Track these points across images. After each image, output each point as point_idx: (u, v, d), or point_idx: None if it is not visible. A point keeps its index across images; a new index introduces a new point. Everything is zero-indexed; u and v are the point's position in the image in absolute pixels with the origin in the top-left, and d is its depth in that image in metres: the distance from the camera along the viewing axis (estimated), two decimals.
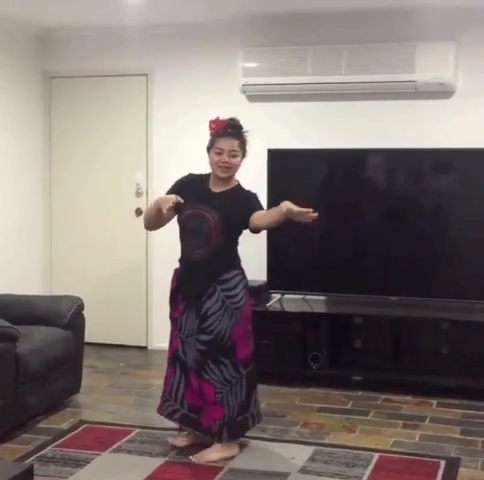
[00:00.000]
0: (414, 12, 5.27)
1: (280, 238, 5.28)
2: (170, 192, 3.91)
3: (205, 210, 3.78)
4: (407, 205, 5.26)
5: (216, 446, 3.86)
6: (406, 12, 5.29)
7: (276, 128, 5.67)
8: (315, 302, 5.37)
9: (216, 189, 3.86)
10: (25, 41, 5.99)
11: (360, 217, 5.29)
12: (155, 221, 3.96)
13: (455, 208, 5.17)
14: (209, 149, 3.85)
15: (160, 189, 5.93)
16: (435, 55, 5.26)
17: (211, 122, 3.87)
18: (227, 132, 3.79)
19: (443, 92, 5.33)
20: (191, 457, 3.83)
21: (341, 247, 5.27)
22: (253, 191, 3.92)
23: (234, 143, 3.78)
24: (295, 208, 3.52)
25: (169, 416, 3.98)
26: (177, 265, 3.99)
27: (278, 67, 5.55)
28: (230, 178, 3.87)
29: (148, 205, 5.75)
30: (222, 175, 3.81)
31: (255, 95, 5.71)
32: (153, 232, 5.95)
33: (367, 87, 5.43)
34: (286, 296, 5.43)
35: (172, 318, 3.95)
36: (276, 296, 5.44)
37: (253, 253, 5.39)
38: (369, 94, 5.48)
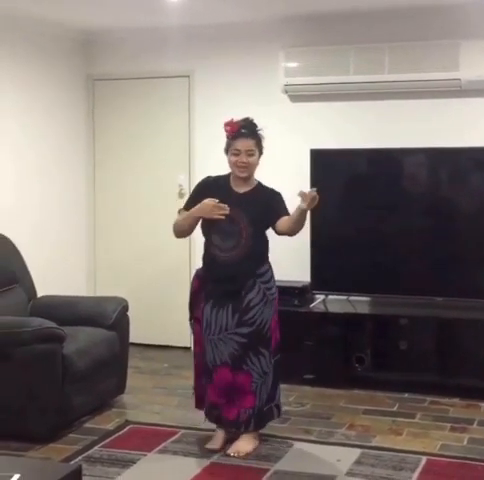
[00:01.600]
0: (457, 9, 5.20)
1: (324, 238, 5.26)
2: (194, 197, 3.98)
3: (234, 212, 3.86)
4: (452, 205, 5.19)
5: (245, 437, 3.93)
6: (449, 9, 5.22)
7: (318, 128, 5.64)
8: (359, 303, 5.32)
9: (239, 190, 3.95)
10: (69, 44, 6.05)
11: (404, 217, 5.23)
12: (189, 230, 4.03)
13: None
14: (227, 151, 3.96)
15: None
16: (480, 52, 5.17)
17: (225, 124, 3.96)
18: (242, 133, 3.90)
19: None
20: (230, 453, 3.88)
21: (385, 247, 5.21)
22: (276, 190, 4.02)
23: (250, 143, 3.89)
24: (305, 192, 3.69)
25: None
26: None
27: (320, 67, 5.52)
28: (250, 177, 3.97)
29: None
30: (241, 175, 3.91)
31: (297, 95, 5.69)
32: (197, 232, 5.98)
33: (410, 86, 5.36)
34: (330, 297, 5.39)
35: (194, 319, 4.02)
36: (320, 297, 5.41)
37: (297, 254, 5.41)
38: (412, 93, 5.42)
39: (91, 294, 6.09)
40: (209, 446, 3.97)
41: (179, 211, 4.06)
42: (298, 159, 5.54)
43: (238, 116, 5.69)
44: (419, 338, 5.05)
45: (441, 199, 5.24)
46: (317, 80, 5.52)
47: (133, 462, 3.81)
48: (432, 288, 5.10)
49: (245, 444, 3.92)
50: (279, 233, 3.92)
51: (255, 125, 3.96)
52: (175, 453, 3.95)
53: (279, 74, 5.64)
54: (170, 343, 6.07)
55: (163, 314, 6.09)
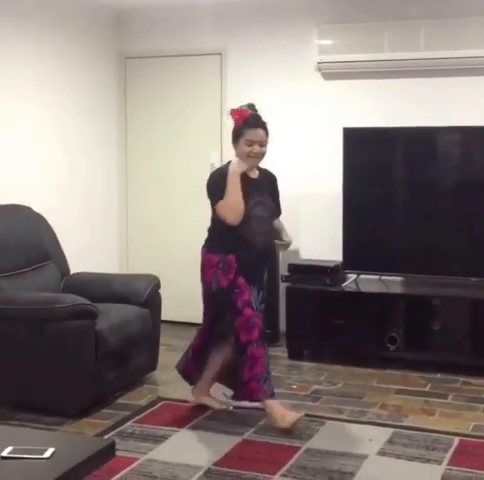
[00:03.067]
0: None
1: (356, 218, 5.23)
2: (220, 191, 3.90)
3: (263, 197, 3.97)
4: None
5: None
6: None
7: (352, 106, 5.59)
8: (391, 283, 5.29)
9: (253, 175, 4.00)
10: (100, 22, 6.04)
11: (438, 196, 5.17)
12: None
13: None
14: (236, 140, 3.94)
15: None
16: None
17: (233, 112, 3.96)
18: (252, 123, 3.92)
19: None
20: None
21: (418, 227, 5.16)
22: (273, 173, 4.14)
23: (262, 133, 3.93)
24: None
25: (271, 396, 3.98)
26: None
27: (354, 44, 5.46)
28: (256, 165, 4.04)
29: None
30: (254, 164, 3.97)
31: (330, 73, 5.64)
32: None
33: (446, 63, 5.29)
34: (362, 276, 5.36)
35: (227, 306, 3.97)
36: (352, 276, 5.38)
37: (329, 233, 5.39)
38: (448, 70, 5.34)
39: (124, 271, 6.12)
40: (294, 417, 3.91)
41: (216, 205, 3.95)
42: (331, 137, 5.49)
43: (270, 94, 5.72)
44: (452, 318, 5.01)
45: (475, 178, 5.17)
46: (351, 58, 5.47)
47: (165, 438, 3.84)
48: (466, 268, 5.06)
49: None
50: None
51: (261, 116, 4.01)
52: (207, 429, 3.97)
53: (312, 52, 5.59)
54: (200, 321, 6.05)
55: (194, 292, 6.08)
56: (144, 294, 4.67)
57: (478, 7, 5.21)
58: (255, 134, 3.89)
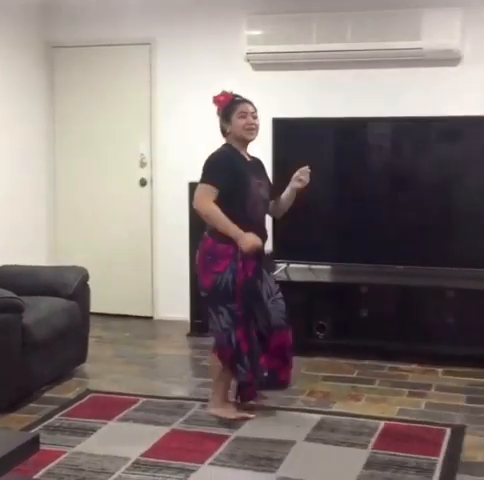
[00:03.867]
0: None
1: None
2: (223, 172, 3.77)
3: (263, 179, 3.96)
4: (413, 174, 5.23)
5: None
6: None
7: (281, 97, 5.62)
8: (321, 271, 5.36)
9: (247, 157, 3.96)
10: (27, 10, 5.92)
11: (366, 186, 5.26)
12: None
13: (462, 176, 5.13)
14: (228, 119, 3.87)
15: (164, 159, 5.95)
16: (442, 22, 5.19)
17: (218, 96, 3.93)
18: (240, 100, 3.91)
19: (450, 59, 5.27)
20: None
21: (347, 216, 5.24)
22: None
23: (251, 107, 3.91)
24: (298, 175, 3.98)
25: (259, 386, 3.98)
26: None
27: (282, 35, 5.49)
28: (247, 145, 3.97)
29: (152, 175, 5.76)
30: (251, 137, 3.89)
31: (259, 63, 5.66)
32: (158, 202, 5.99)
33: (373, 55, 5.36)
34: (291, 265, 5.41)
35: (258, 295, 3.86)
36: (281, 265, 5.43)
37: None
38: (375, 62, 5.42)
39: (52, 264, 6.04)
40: (249, 415, 3.92)
41: (204, 187, 3.80)
42: (260, 128, 5.49)
43: (199, 84, 5.72)
44: (379, 306, 5.10)
45: (403, 168, 5.27)
46: (279, 48, 5.50)
47: (93, 430, 3.81)
48: (392, 256, 5.15)
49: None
50: (271, 213, 4.12)
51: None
52: (136, 421, 3.95)
53: (242, 42, 5.60)
54: (131, 313, 6.06)
55: (124, 284, 6.07)
56: (72, 286, 4.62)
57: (403, 0, 5.29)
58: (246, 107, 3.87)
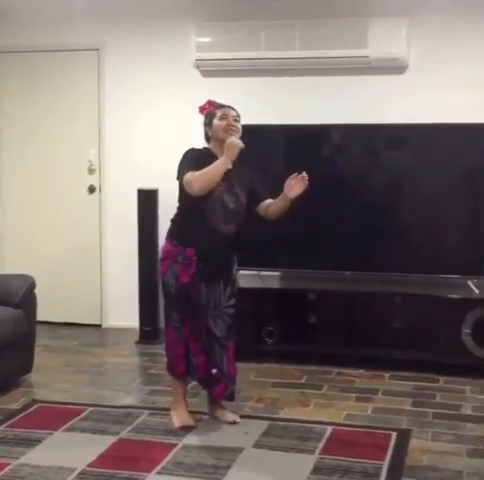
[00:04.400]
0: None
1: None
2: (191, 165, 3.74)
3: (235, 188, 3.86)
4: (360, 180, 5.28)
5: (228, 409, 4.04)
6: None
7: (230, 103, 5.59)
8: (269, 278, 5.38)
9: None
10: None
11: (313, 193, 5.27)
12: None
13: (407, 183, 5.20)
14: (210, 123, 3.88)
15: (113, 166, 5.91)
16: (388, 30, 5.26)
17: (203, 105, 4.01)
18: (223, 105, 3.94)
19: (396, 67, 5.35)
20: (236, 419, 3.98)
21: (294, 223, 5.24)
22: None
23: (233, 112, 3.91)
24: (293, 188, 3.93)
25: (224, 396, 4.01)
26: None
27: (231, 42, 5.51)
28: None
29: (101, 182, 5.73)
30: (233, 137, 3.82)
31: (209, 70, 5.67)
32: (107, 209, 5.94)
33: (321, 62, 5.42)
34: (240, 272, 5.40)
35: (193, 302, 3.83)
36: None
37: None
38: (323, 69, 5.47)
39: None
40: (190, 424, 3.90)
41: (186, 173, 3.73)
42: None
43: (148, 91, 5.71)
44: (327, 312, 5.14)
45: (349, 174, 5.32)
46: (228, 55, 5.51)
47: (39, 441, 3.75)
48: (340, 262, 5.20)
49: (232, 414, 4.03)
50: (265, 216, 4.05)
51: None
52: (83, 431, 3.90)
53: (191, 49, 5.60)
54: (80, 321, 6.00)
55: (73, 292, 6.01)
56: (18, 295, 4.55)
57: (351, 8, 5.36)
58: (227, 110, 3.87)
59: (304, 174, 3.94)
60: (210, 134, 3.89)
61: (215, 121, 3.86)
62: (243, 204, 3.91)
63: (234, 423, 3.97)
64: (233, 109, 3.93)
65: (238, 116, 3.91)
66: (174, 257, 3.81)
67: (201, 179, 3.67)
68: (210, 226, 3.79)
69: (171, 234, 3.90)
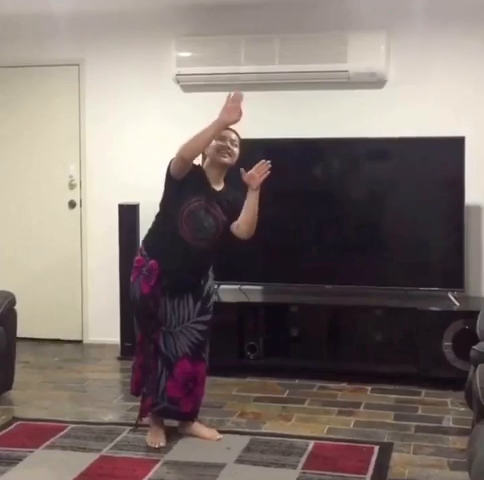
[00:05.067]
0: (346, 1, 5.31)
1: None
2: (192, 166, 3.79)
3: (214, 207, 3.80)
4: (341, 193, 5.30)
5: (202, 426, 4.03)
6: (338, 1, 5.32)
7: (210, 117, 5.57)
8: (251, 292, 5.38)
9: (216, 187, 3.85)
10: None
11: (294, 206, 5.31)
12: (210, 142, 3.75)
13: (388, 197, 5.23)
14: (209, 144, 3.81)
15: (94, 181, 5.91)
16: (367, 45, 5.30)
17: None
18: (228, 127, 3.83)
19: (375, 82, 5.39)
20: (216, 437, 3.95)
21: (276, 237, 5.27)
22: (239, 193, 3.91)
23: (234, 135, 3.87)
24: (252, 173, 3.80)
25: (151, 411, 3.95)
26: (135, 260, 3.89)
27: (211, 57, 5.53)
28: (223, 175, 3.88)
29: (81, 196, 5.72)
30: (224, 159, 3.80)
31: (189, 85, 5.68)
32: (88, 224, 5.92)
33: (300, 77, 5.44)
34: (222, 286, 5.41)
35: (151, 315, 3.82)
36: None
37: None
38: (303, 84, 5.50)
39: None
40: (155, 444, 3.86)
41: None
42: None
43: (129, 105, 5.72)
44: (309, 325, 5.14)
45: (331, 188, 5.34)
46: (209, 70, 5.53)
47: (19, 459, 3.71)
48: (321, 276, 5.21)
49: (208, 429, 4.01)
50: (236, 234, 3.88)
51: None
52: (64, 448, 3.87)
53: (171, 64, 5.61)
54: (61, 337, 5.96)
55: (54, 308, 5.98)
56: None
57: (329, 23, 5.40)
58: (227, 132, 3.80)
59: (265, 161, 3.85)
60: (206, 152, 3.87)
61: (213, 142, 3.80)
62: (220, 225, 3.83)
63: (216, 440, 3.94)
64: (234, 132, 3.88)
65: (237, 141, 3.86)
66: (141, 267, 3.81)
67: (189, 144, 3.66)
68: (180, 240, 3.77)
69: (143, 244, 3.91)
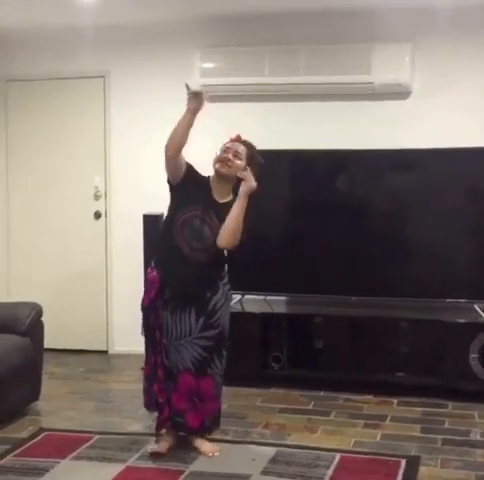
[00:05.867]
0: (371, 13, 5.30)
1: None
2: (189, 170, 3.85)
3: (211, 219, 3.78)
4: (365, 205, 5.29)
5: (205, 440, 3.94)
6: (363, 13, 5.32)
7: (234, 129, 5.60)
8: (276, 302, 5.37)
9: (218, 198, 3.83)
10: None
11: (319, 217, 5.30)
12: (187, 128, 3.83)
13: (413, 208, 5.21)
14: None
15: (118, 192, 5.94)
16: (392, 56, 5.30)
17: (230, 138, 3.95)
18: (243, 140, 3.89)
19: (400, 93, 5.38)
20: (208, 453, 3.87)
21: (301, 247, 5.27)
22: None
23: (241, 147, 3.85)
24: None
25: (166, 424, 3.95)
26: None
27: (235, 68, 5.54)
28: (229, 187, 3.86)
29: (106, 207, 5.77)
30: (222, 169, 3.78)
31: (213, 96, 5.67)
32: (113, 234, 5.95)
33: (325, 88, 5.45)
34: (247, 297, 5.42)
35: (155, 326, 3.85)
36: (237, 297, 5.42)
37: None
38: (327, 95, 5.50)
39: (4, 300, 5.94)
40: (154, 449, 3.89)
41: None
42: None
43: (153, 116, 5.75)
44: (334, 336, 5.12)
45: (355, 199, 5.33)
46: (233, 81, 5.54)
47: (47, 470, 3.73)
48: (347, 287, 5.19)
49: (210, 446, 3.94)
50: (217, 243, 3.77)
51: (256, 150, 3.94)
52: (90, 459, 3.88)
53: (195, 74, 5.63)
54: (86, 347, 5.99)
55: (79, 318, 6.01)
56: (25, 323, 4.54)
57: (355, 34, 5.40)
58: (233, 144, 3.82)
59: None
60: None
61: (218, 152, 3.84)
62: (214, 240, 3.77)
63: (212, 456, 3.89)
64: (243, 144, 3.86)
65: (241, 153, 3.82)
66: (148, 280, 3.90)
67: (168, 139, 3.76)
68: (177, 250, 3.77)
69: (153, 256, 3.97)
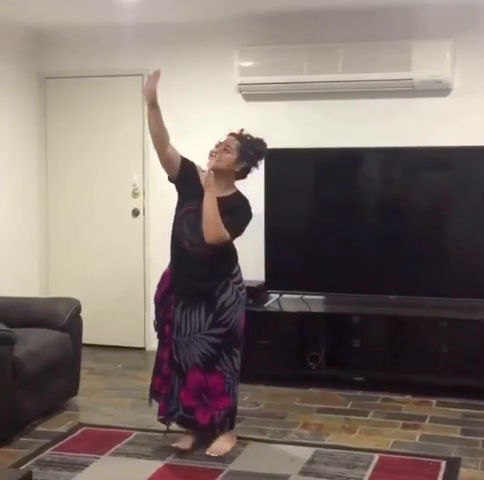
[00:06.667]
0: (411, 10, 5.25)
1: (278, 238, 5.28)
2: (184, 165, 3.94)
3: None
4: (404, 204, 5.25)
5: (223, 437, 3.92)
6: (403, 10, 5.27)
7: (273, 127, 5.61)
8: (313, 302, 5.35)
9: (218, 192, 3.83)
10: (19, 42, 5.96)
11: (358, 216, 5.27)
12: (157, 123, 3.97)
13: (452, 206, 5.16)
14: None
15: (157, 189, 5.96)
16: (432, 53, 5.23)
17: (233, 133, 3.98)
18: (241, 135, 3.92)
19: (440, 90, 5.31)
20: (209, 453, 3.86)
21: (339, 246, 5.24)
22: (244, 201, 3.91)
23: (232, 139, 3.88)
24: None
25: (169, 418, 3.97)
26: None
27: (274, 66, 5.52)
28: (224, 181, 3.87)
29: (144, 204, 5.80)
30: (214, 165, 3.82)
31: (251, 94, 5.69)
32: (151, 231, 5.98)
33: (364, 85, 5.40)
34: (284, 296, 5.41)
35: (164, 320, 3.90)
36: (274, 296, 5.43)
37: (251, 253, 5.39)
38: (366, 92, 5.45)
39: (44, 295, 6.01)
40: (178, 445, 3.91)
41: None
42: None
43: (191, 115, 5.76)
44: (372, 336, 5.10)
45: (394, 198, 5.29)
46: (271, 79, 5.53)
47: (85, 465, 3.77)
48: (385, 286, 5.15)
49: (223, 444, 3.91)
50: (207, 242, 3.76)
51: (251, 140, 3.96)
52: (128, 455, 3.91)
53: (233, 73, 5.63)
54: (124, 344, 6.03)
55: (117, 315, 6.05)
56: (64, 318, 4.59)
57: (395, 31, 5.34)
58: (225, 138, 3.88)
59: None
60: None
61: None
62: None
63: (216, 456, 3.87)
64: (237, 139, 3.87)
65: (231, 145, 3.83)
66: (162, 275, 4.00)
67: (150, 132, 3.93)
68: (179, 245, 3.85)
69: None
